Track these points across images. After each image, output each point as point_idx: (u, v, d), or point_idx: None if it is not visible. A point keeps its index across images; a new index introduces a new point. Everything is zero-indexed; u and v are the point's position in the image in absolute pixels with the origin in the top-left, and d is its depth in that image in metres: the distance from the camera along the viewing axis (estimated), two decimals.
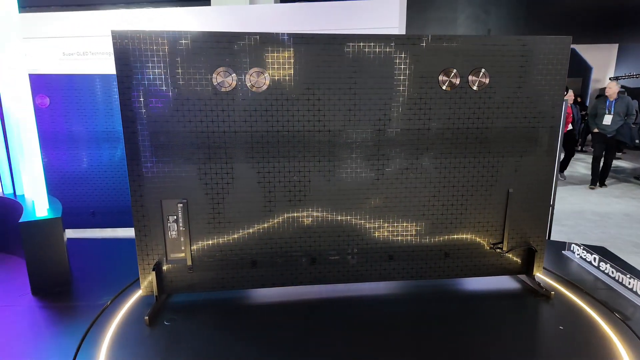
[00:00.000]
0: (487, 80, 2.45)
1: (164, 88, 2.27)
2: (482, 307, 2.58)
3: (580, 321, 2.41)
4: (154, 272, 2.42)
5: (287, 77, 2.32)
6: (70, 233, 3.54)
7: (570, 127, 7.56)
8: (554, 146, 2.60)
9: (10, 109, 3.05)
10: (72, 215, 3.84)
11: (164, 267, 2.50)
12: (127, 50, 2.20)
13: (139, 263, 2.46)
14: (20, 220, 2.68)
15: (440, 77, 2.43)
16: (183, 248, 2.48)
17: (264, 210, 2.50)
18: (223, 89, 2.29)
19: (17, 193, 3.34)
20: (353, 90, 2.40)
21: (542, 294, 2.65)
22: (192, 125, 2.32)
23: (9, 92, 2.97)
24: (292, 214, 2.53)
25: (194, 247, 2.49)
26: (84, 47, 5.57)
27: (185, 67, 2.26)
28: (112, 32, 2.17)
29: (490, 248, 2.72)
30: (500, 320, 2.43)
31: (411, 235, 2.66)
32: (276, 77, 2.32)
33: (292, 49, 2.29)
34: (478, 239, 2.71)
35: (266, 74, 2.30)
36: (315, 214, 2.54)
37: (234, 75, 2.28)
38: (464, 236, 2.70)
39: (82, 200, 3.92)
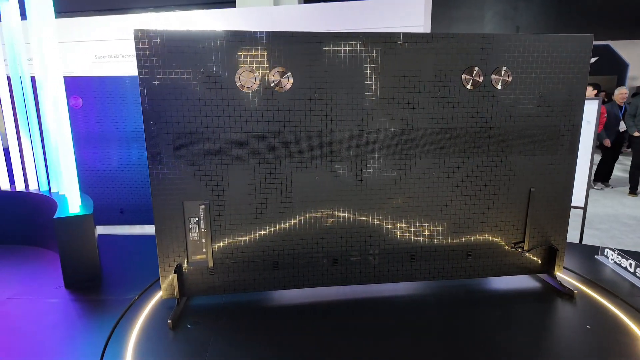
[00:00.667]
0: (509, 79, 2.44)
1: (186, 88, 2.25)
2: (507, 307, 2.54)
3: (607, 321, 2.37)
4: (175, 275, 2.41)
5: (309, 77, 2.32)
6: (100, 229, 3.67)
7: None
8: (576, 144, 2.60)
9: (46, 110, 3.18)
10: (102, 212, 3.99)
11: (185, 269, 2.48)
12: (149, 49, 2.19)
13: (159, 265, 2.44)
14: (54, 216, 2.80)
15: (464, 76, 2.41)
16: (204, 250, 2.45)
17: (285, 211, 2.48)
18: (246, 89, 2.28)
19: (52, 190, 3.49)
20: (374, 88, 2.38)
21: (565, 292, 2.63)
22: (215, 126, 2.31)
23: (46, 94, 3.11)
24: (314, 215, 2.52)
25: (215, 248, 2.47)
26: (114, 50, 5.77)
27: (208, 67, 2.25)
28: (135, 30, 2.15)
29: (512, 247, 2.70)
30: (527, 318, 2.40)
31: (432, 235, 2.64)
32: (299, 77, 2.31)
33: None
34: (499, 238, 2.70)
35: (289, 74, 2.30)
36: (337, 215, 2.53)
37: (256, 74, 2.27)
38: (485, 235, 2.68)
39: (112, 197, 4.06)
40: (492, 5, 8.87)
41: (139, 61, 2.18)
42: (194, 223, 2.40)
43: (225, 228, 2.46)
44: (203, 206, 2.38)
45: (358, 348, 2.13)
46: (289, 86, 2.31)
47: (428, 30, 5.40)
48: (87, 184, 3.96)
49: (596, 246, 3.41)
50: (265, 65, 2.28)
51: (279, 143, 2.38)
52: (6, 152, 3.67)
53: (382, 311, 2.50)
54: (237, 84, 2.27)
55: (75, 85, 3.80)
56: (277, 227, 2.50)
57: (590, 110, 3.58)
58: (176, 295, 2.44)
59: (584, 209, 3.68)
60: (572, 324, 2.37)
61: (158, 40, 2.18)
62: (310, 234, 2.54)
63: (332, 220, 2.53)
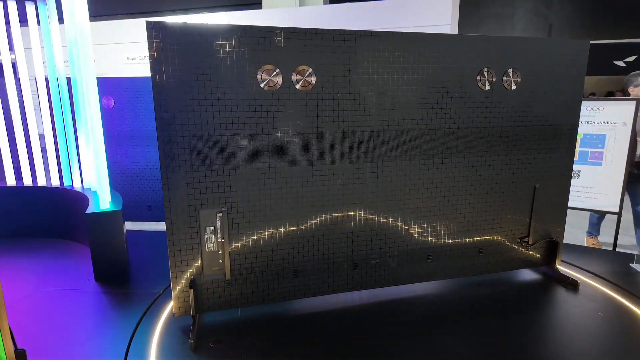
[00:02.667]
0: (519, 79, 2.55)
1: (204, 87, 2.07)
2: (523, 299, 2.62)
3: (613, 308, 2.53)
4: (191, 290, 2.23)
5: (333, 76, 2.25)
6: (129, 225, 3.79)
7: None
8: (573, 143, 2.80)
9: (80, 110, 3.32)
10: (131, 208, 4.12)
11: (200, 283, 2.29)
12: (163, 43, 1.98)
13: (172, 281, 2.22)
14: (86, 212, 2.92)
15: (478, 77, 2.49)
16: (221, 261, 2.28)
17: (305, 216, 2.38)
18: (268, 88, 2.16)
19: (84, 187, 3.64)
20: (397, 87, 2.36)
21: (569, 282, 2.76)
22: (234, 128, 2.15)
23: (80, 94, 3.24)
24: (334, 219, 2.44)
25: (233, 259, 2.32)
26: (145, 51, 5.95)
27: (228, 65, 2.08)
28: (147, 22, 1.94)
29: (518, 242, 2.83)
30: (541, 309, 2.53)
31: (448, 234, 2.66)
32: (322, 76, 2.25)
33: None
34: (507, 234, 2.80)
35: (312, 72, 2.21)
36: (358, 217, 2.47)
37: (278, 72, 2.15)
38: (495, 232, 2.77)
39: (141, 195, 4.19)
40: (523, 3, 8.61)
41: (151, 56, 1.97)
42: (210, 233, 2.23)
43: (243, 236, 2.31)
44: (221, 214, 2.21)
45: (397, 350, 2.12)
46: (311, 85, 2.23)
47: (455, 29, 5.30)
48: (117, 181, 4.11)
49: (632, 254, 3.25)
50: (288, 63, 2.17)
51: (301, 145, 2.29)
52: (43, 150, 3.85)
53: (406, 312, 2.48)
54: (259, 83, 2.15)
55: (107, 86, 3.95)
56: (297, 233, 2.38)
57: (627, 112, 3.43)
58: (192, 312, 2.26)
59: (619, 214, 3.52)
60: (584, 311, 2.47)
61: (173, 34, 1.98)
62: (332, 239, 2.46)
63: (352, 223, 2.47)
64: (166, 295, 2.68)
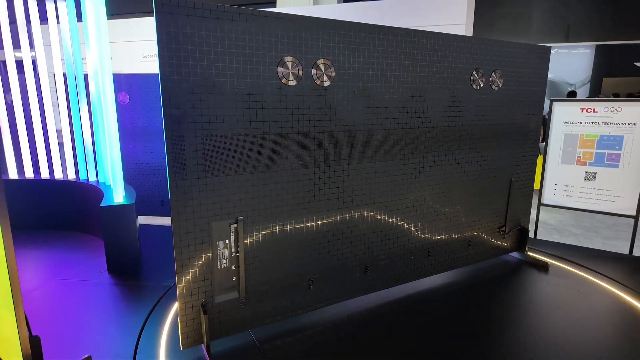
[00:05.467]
0: (501, 81, 2.74)
1: (220, 79, 1.79)
2: (507, 283, 2.87)
3: (582, 284, 2.91)
4: (205, 316, 1.90)
5: (351, 71, 2.13)
6: (141, 219, 3.85)
7: None
8: (537, 140, 3.10)
9: (96, 106, 3.39)
10: (144, 203, 4.18)
11: (212, 307, 1.97)
12: (174, 26, 1.65)
13: (180, 307, 1.89)
14: (100, 205, 2.98)
15: (473, 76, 2.61)
16: (234, 279, 1.99)
17: (320, 218, 2.20)
18: (289, 83, 1.96)
19: (99, 180, 3.71)
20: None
21: (541, 265, 3.09)
22: (252, 127, 1.91)
23: (96, 91, 3.31)
24: (346, 221, 2.30)
25: (248, 274, 2.04)
26: None
27: (247, 54, 1.83)
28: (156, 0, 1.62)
29: (497, 232, 3.05)
30: (524, 289, 2.82)
31: (445, 228, 2.76)
32: (341, 71, 2.09)
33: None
34: (489, 225, 3.00)
35: (333, 66, 2.05)
36: (369, 218, 2.40)
37: (300, 66, 1.97)
38: (480, 224, 2.94)
39: (154, 190, 4.25)
40: (540, 3, 8.47)
41: (160, 40, 1.63)
42: (224, 247, 1.94)
43: (256, 248, 2.03)
44: (236, 225, 1.94)
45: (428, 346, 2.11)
46: (329, 81, 2.07)
47: (471, 28, 5.25)
48: (131, 176, 4.17)
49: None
50: (309, 57, 1.98)
51: (318, 144, 2.11)
52: (60, 145, 3.94)
53: (422, 307, 2.47)
54: (279, 76, 1.93)
55: (123, 82, 4.02)
56: (311, 238, 2.19)
57: None
58: (207, 342, 1.94)
59: (636, 218, 3.44)
60: (564, 289, 2.76)
61: (187, 16, 1.67)
62: (345, 243, 2.33)
63: (365, 225, 2.38)
64: (176, 288, 2.71)
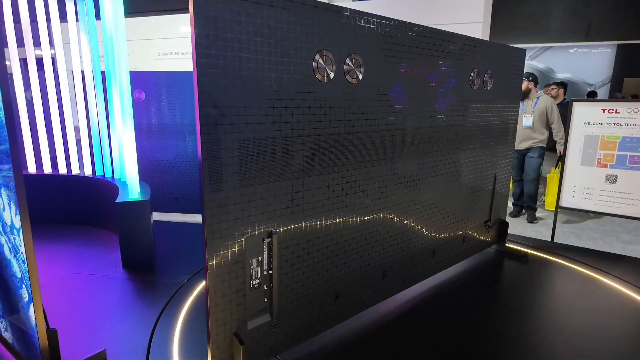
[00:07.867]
0: (491, 81, 2.80)
1: (258, 74, 1.58)
2: (495, 274, 3.05)
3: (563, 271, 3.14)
4: (242, 347, 1.67)
5: (379, 70, 2.05)
6: (156, 216, 3.89)
7: None
8: (514, 137, 3.29)
9: (113, 102, 3.43)
10: (158, 199, 4.22)
11: (244, 334, 1.74)
12: (213, 9, 1.42)
13: (211, 337, 1.64)
14: (116, 200, 3.02)
15: (471, 77, 2.66)
16: (266, 300, 1.80)
17: (345, 228, 2.06)
18: (320, 77, 1.79)
19: (115, 177, 3.76)
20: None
21: (521, 255, 3.23)
22: (288, 128, 1.71)
23: (113, 88, 3.35)
24: (369, 227, 2.20)
25: (279, 293, 1.85)
26: (175, 47, 6.09)
27: (285, 46, 1.63)
28: None
29: (482, 226, 3.15)
30: (513, 278, 3.03)
31: (447, 227, 2.80)
32: (370, 68, 1.96)
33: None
34: (479, 220, 3.10)
35: (361, 61, 1.92)
36: (387, 222, 2.30)
37: (333, 61, 1.81)
38: (471, 219, 3.02)
39: (168, 186, 4.29)
40: (560, 1, 8.28)
41: (197, 25, 1.39)
42: (257, 265, 1.73)
43: (287, 263, 1.85)
44: (269, 239, 1.74)
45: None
46: (359, 78, 1.94)
47: (488, 27, 5.16)
48: (146, 172, 4.22)
49: None
50: (342, 50, 1.84)
51: (348, 146, 1.97)
52: (78, 142, 4.01)
53: (434, 307, 2.44)
54: (314, 71, 1.76)
55: (139, 80, 4.06)
56: (339, 248, 2.05)
57: None
58: None
59: None
60: (548, 277, 3.00)
61: (224, 7, 1.45)
62: (367, 250, 2.22)
63: (385, 229, 2.30)
64: (189, 284, 2.74)
